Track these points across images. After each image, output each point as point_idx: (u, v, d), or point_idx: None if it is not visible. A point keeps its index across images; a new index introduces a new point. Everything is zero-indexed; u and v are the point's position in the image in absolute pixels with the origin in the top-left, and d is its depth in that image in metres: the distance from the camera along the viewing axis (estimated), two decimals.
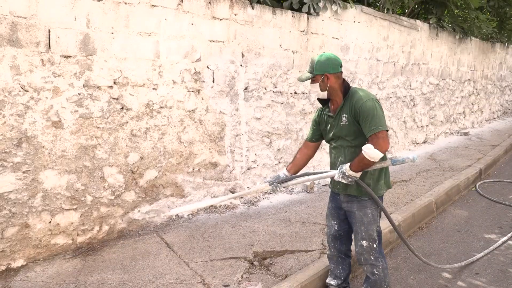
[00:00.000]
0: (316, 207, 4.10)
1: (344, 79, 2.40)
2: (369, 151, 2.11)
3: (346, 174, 2.22)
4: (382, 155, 2.13)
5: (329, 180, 2.69)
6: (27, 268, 2.78)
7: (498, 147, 7.40)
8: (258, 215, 3.86)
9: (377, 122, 2.17)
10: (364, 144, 2.29)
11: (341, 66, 2.38)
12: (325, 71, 2.33)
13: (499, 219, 4.28)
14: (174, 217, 3.67)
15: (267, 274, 2.81)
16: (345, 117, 2.32)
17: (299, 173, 2.63)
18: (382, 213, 2.41)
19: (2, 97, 2.58)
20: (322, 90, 2.37)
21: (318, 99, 2.50)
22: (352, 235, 2.63)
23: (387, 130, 2.20)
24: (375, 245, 2.37)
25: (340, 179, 2.26)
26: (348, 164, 2.24)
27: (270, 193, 4.46)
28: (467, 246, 3.60)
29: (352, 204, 2.40)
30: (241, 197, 4.17)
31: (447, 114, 8.55)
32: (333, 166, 2.50)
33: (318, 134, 2.60)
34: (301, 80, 2.43)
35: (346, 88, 2.37)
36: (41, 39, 2.69)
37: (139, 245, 3.15)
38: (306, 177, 2.48)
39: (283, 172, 2.63)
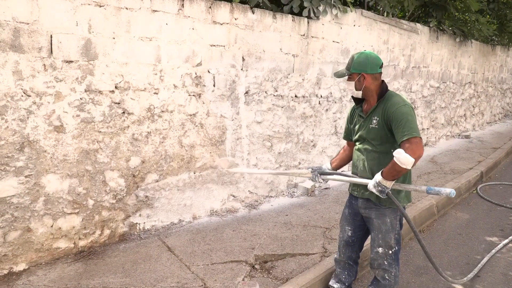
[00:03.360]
0: (317, 210, 4.11)
1: (383, 81, 2.32)
2: (399, 156, 1.99)
3: (377, 181, 2.12)
4: (413, 160, 1.99)
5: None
6: (29, 272, 2.79)
7: (500, 150, 7.40)
8: (259, 219, 3.86)
9: (412, 127, 2.07)
10: (389, 151, 2.22)
11: (381, 67, 2.29)
12: (363, 70, 2.25)
13: (501, 222, 4.27)
14: (176, 221, 3.68)
15: (268, 277, 2.81)
16: (376, 120, 2.26)
17: (339, 171, 2.63)
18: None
19: (5, 102, 2.60)
20: (357, 89, 2.30)
21: (352, 97, 2.42)
22: (364, 242, 2.62)
23: (421, 138, 2.10)
24: (390, 252, 2.34)
25: (372, 189, 2.16)
26: (380, 171, 2.15)
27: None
28: (469, 249, 3.60)
29: (370, 211, 2.36)
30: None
31: (448, 117, 8.55)
32: (354, 168, 2.47)
33: (351, 133, 2.55)
34: (337, 76, 2.36)
35: (383, 90, 2.29)
36: (43, 44, 2.72)
37: (140, 249, 3.16)
38: (344, 177, 2.43)
39: (326, 165, 2.61)
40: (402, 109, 2.14)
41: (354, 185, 2.46)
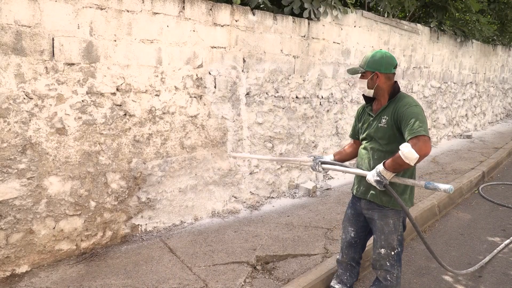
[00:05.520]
0: (319, 211, 4.11)
1: (395, 82, 2.32)
2: (405, 149, 1.98)
3: (378, 170, 2.12)
4: (417, 156, 1.97)
5: (350, 180, 2.66)
6: (31, 273, 2.80)
7: (501, 150, 7.39)
8: (261, 220, 3.87)
9: (421, 126, 2.04)
10: (395, 151, 2.17)
11: (395, 68, 2.29)
12: (377, 69, 2.26)
13: (503, 222, 4.26)
14: (177, 222, 3.69)
15: (270, 278, 2.82)
16: (385, 120, 2.25)
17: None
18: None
19: (7, 104, 2.62)
20: (369, 87, 2.31)
21: (363, 96, 2.42)
22: (367, 243, 2.61)
23: (429, 137, 2.06)
24: (393, 253, 2.33)
25: (371, 179, 2.15)
26: (382, 162, 2.14)
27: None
28: (470, 249, 3.59)
29: (373, 212, 2.36)
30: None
31: (449, 117, 8.54)
32: (359, 166, 2.46)
33: (358, 131, 2.55)
34: (351, 72, 2.35)
35: (395, 90, 2.29)
36: (45, 47, 2.73)
37: (142, 251, 3.17)
38: (346, 168, 2.44)
39: (329, 157, 2.62)
40: (413, 109, 2.14)
41: (357, 186, 2.46)
